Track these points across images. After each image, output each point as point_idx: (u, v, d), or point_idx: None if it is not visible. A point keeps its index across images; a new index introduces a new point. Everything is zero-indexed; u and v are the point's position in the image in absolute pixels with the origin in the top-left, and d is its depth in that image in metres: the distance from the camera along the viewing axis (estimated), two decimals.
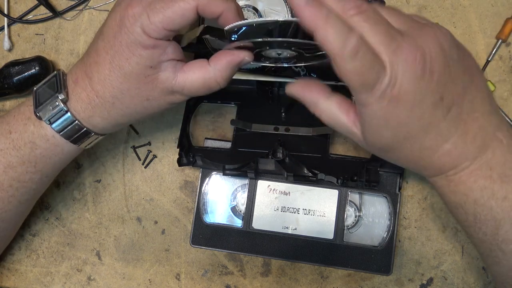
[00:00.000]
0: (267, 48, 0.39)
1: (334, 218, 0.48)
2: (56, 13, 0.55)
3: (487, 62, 0.51)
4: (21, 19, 0.55)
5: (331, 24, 0.30)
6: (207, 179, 0.50)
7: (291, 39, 0.36)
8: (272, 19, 0.36)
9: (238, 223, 0.49)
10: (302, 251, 0.48)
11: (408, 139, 0.35)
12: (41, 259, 0.53)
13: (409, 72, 0.31)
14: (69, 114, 0.41)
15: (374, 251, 0.48)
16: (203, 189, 0.50)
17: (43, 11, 0.55)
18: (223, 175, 0.49)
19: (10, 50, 0.55)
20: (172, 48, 0.39)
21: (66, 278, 0.53)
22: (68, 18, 0.55)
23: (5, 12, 0.55)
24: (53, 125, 0.42)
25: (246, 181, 0.49)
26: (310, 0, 0.30)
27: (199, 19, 0.46)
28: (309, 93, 0.38)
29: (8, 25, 0.55)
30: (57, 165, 0.46)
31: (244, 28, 0.37)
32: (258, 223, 0.49)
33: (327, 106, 0.37)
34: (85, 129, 0.42)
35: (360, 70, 0.31)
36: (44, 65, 0.52)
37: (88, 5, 0.55)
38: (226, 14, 0.38)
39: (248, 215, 0.49)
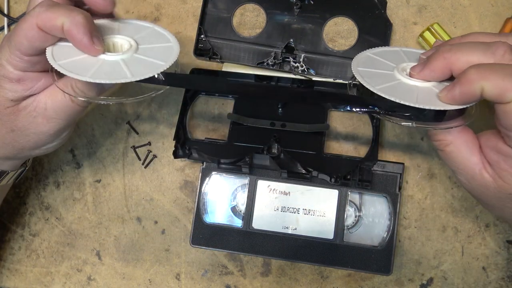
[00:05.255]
0: None
1: (334, 218, 0.48)
2: None
3: None
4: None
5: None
6: (207, 179, 0.50)
7: None
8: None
9: (238, 223, 0.49)
10: (302, 251, 0.48)
11: None
12: (41, 259, 0.53)
13: None
14: None
15: (374, 251, 0.47)
16: (203, 189, 0.50)
17: None
18: (218, 167, 0.49)
19: None
20: (44, 80, 0.40)
21: (66, 278, 0.53)
22: None
23: (5, 12, 0.55)
24: None
25: (246, 181, 0.49)
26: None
27: None
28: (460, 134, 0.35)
29: (8, 25, 0.55)
30: None
31: None
32: (258, 223, 0.49)
33: (458, 144, 0.35)
34: None
35: None
36: None
37: None
38: (70, 30, 0.36)
39: (248, 215, 0.49)
